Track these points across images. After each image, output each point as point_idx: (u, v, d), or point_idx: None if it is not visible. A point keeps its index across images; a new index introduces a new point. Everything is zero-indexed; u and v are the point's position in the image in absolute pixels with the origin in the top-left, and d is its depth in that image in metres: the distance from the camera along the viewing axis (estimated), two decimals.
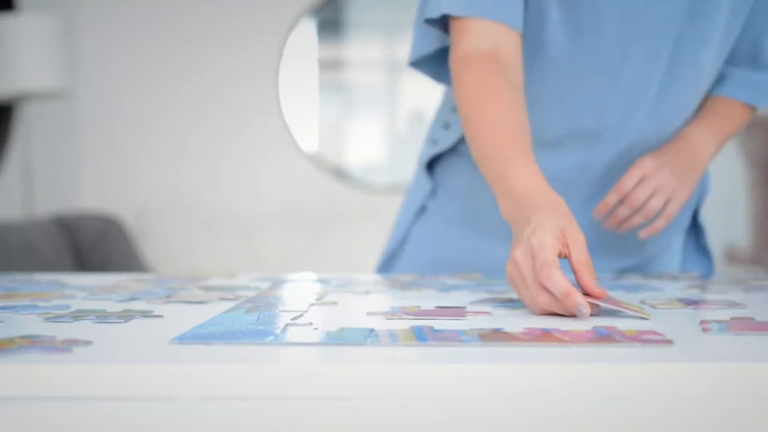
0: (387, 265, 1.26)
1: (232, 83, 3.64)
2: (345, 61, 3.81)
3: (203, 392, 0.53)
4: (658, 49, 1.04)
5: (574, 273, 0.75)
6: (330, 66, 3.80)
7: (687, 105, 1.09)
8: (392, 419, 0.53)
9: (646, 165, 1.05)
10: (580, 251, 0.76)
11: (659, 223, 1.07)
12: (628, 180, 1.05)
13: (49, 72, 2.74)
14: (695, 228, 1.25)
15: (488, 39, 0.97)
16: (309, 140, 3.72)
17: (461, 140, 1.17)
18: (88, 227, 3.03)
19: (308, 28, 3.71)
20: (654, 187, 1.05)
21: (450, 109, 1.19)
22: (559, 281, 0.71)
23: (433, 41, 1.07)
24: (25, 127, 3.02)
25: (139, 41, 3.63)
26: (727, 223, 3.22)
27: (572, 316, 0.71)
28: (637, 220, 1.06)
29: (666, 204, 1.06)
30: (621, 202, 1.06)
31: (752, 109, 1.14)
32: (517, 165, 0.87)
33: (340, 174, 3.70)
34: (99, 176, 3.64)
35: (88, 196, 3.62)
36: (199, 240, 3.43)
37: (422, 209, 1.22)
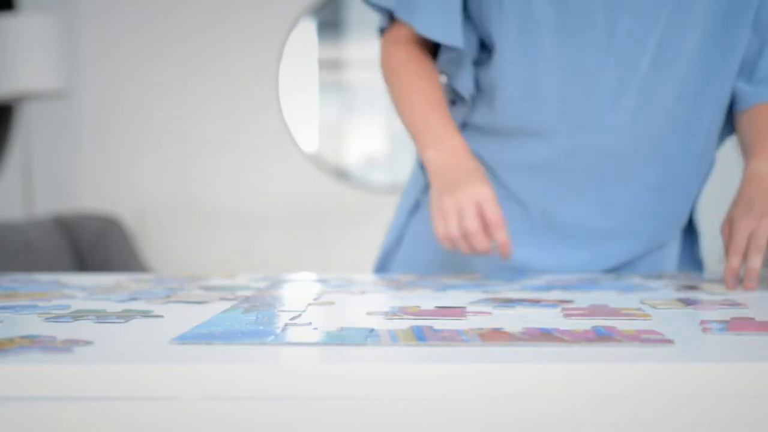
0: (384, 264, 1.27)
1: (232, 83, 3.64)
2: (345, 61, 3.81)
3: (203, 392, 0.53)
4: (645, 32, 1.05)
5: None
6: (330, 66, 3.81)
7: (680, 95, 1.08)
8: (392, 419, 0.53)
9: (745, 223, 0.99)
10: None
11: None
12: (740, 238, 0.99)
13: (49, 72, 2.74)
14: (692, 234, 1.25)
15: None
16: (309, 140, 3.72)
17: None
18: (88, 227, 3.03)
19: (308, 28, 3.71)
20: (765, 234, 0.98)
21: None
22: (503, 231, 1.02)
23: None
24: (25, 127, 3.02)
25: (139, 41, 3.63)
26: None
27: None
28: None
29: None
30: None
31: None
32: (450, 127, 1.10)
33: (340, 174, 3.70)
34: (99, 176, 3.64)
35: (88, 196, 3.61)
36: (199, 240, 3.43)
37: (416, 206, 1.23)
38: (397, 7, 1.13)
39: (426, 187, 1.21)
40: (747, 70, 1.13)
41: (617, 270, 1.17)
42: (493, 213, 1.01)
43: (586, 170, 1.11)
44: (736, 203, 1.04)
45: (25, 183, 2.96)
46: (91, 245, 2.99)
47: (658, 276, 1.09)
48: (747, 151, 1.10)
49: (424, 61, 1.16)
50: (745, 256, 0.98)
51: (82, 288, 0.95)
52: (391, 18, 1.18)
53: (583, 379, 0.53)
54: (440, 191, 1.05)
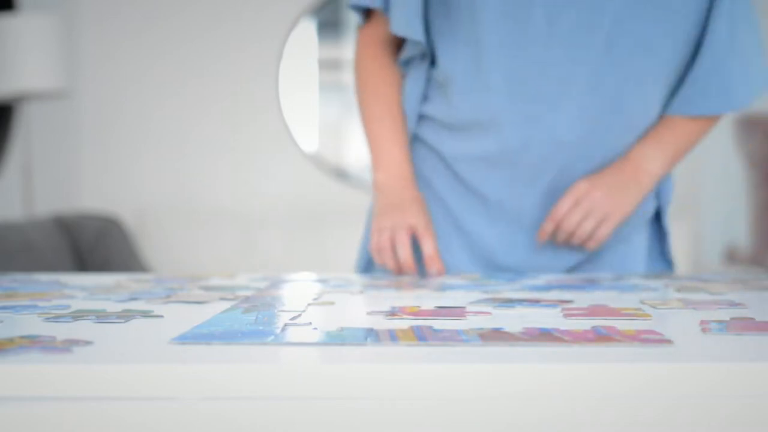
0: (367, 267, 1.27)
1: (232, 83, 3.64)
2: (345, 61, 3.81)
3: (203, 392, 0.53)
4: (590, 25, 1.07)
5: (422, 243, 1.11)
6: (330, 66, 3.80)
7: (632, 90, 1.10)
8: (392, 419, 0.53)
9: (579, 188, 1.11)
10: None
11: (590, 244, 1.14)
12: (563, 205, 1.11)
13: (49, 72, 2.74)
14: (661, 234, 1.26)
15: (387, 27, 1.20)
16: (309, 140, 3.72)
17: (415, 133, 1.23)
18: (88, 227, 3.03)
19: (308, 28, 3.71)
20: (587, 209, 1.11)
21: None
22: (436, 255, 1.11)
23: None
24: (25, 127, 3.02)
25: (139, 41, 3.63)
26: (727, 223, 3.22)
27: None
28: (574, 241, 1.14)
29: (598, 226, 1.12)
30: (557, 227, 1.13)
31: (707, 120, 1.16)
32: (401, 152, 1.18)
33: (340, 174, 3.70)
34: (99, 176, 3.64)
35: (88, 196, 3.61)
36: (199, 240, 3.43)
37: None
38: (384, 7, 1.18)
39: None
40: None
41: (582, 265, 1.19)
42: (429, 248, 1.10)
43: (541, 162, 1.13)
44: (590, 175, 1.13)
45: (25, 183, 2.96)
46: (91, 245, 2.99)
47: (658, 276, 1.10)
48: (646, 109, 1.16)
49: (391, 76, 1.22)
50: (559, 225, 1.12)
51: (82, 288, 0.95)
52: (366, 16, 1.23)
53: (583, 379, 0.53)
54: (380, 211, 1.15)
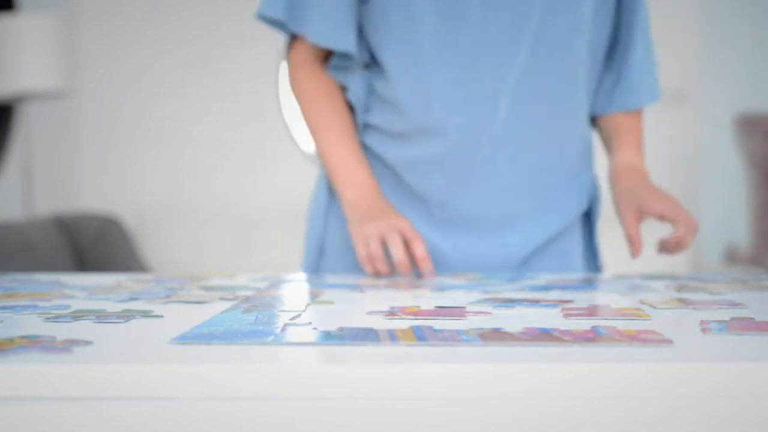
0: (315, 269, 1.27)
1: (233, 83, 3.64)
2: None
3: (203, 392, 0.53)
4: (518, 26, 1.11)
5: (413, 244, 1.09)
6: None
7: (558, 83, 1.15)
8: (392, 419, 0.53)
9: (654, 210, 1.12)
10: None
11: (690, 237, 1.14)
12: (680, 225, 1.10)
13: (49, 72, 2.74)
14: (590, 225, 1.29)
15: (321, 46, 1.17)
16: (309, 140, 3.72)
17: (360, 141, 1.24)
18: (88, 227, 3.03)
19: None
20: (675, 220, 1.11)
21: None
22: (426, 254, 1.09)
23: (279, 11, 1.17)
24: (25, 127, 3.02)
25: (139, 41, 3.63)
26: (727, 223, 3.22)
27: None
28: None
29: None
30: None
31: (638, 112, 1.25)
32: (363, 167, 1.18)
33: None
34: (99, 176, 3.64)
35: (88, 196, 3.61)
36: (199, 240, 3.43)
37: (329, 210, 1.26)
38: (288, 19, 1.16)
39: (332, 189, 1.25)
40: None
41: (528, 261, 1.21)
42: (421, 249, 1.09)
43: (480, 159, 1.15)
44: (624, 193, 1.16)
45: (25, 183, 2.96)
46: (91, 245, 2.99)
47: (658, 276, 1.10)
48: (608, 144, 1.24)
49: (333, 90, 1.21)
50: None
51: (82, 288, 0.95)
52: (290, 33, 1.20)
53: (583, 379, 0.53)
54: (359, 220, 1.13)
